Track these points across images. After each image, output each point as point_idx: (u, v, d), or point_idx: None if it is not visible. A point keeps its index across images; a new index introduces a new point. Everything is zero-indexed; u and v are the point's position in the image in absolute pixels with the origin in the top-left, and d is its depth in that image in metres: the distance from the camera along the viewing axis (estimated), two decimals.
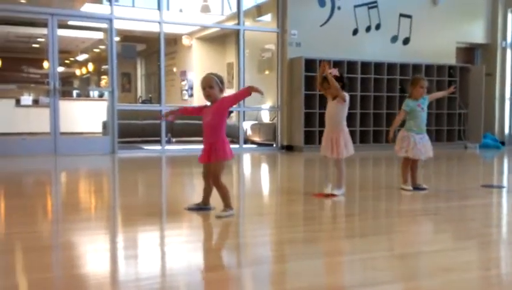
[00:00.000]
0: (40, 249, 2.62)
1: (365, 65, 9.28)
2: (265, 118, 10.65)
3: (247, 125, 10.37)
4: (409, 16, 10.01)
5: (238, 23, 9.32)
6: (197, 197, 3.61)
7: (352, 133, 4.32)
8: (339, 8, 9.37)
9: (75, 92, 17.61)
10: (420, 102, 4.55)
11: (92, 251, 2.63)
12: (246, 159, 8.06)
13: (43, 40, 14.39)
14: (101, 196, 4.70)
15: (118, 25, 8.56)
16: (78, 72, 20.02)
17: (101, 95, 16.07)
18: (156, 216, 3.54)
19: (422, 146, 4.52)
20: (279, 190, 5.20)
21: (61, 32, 10.56)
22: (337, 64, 7.91)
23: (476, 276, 2.28)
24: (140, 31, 12.59)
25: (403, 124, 4.65)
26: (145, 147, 9.37)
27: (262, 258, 2.56)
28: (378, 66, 9.41)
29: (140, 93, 17.13)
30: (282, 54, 9.25)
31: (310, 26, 9.15)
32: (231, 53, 12.45)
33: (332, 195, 4.14)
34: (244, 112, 9.95)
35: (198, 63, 13.45)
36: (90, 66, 18.59)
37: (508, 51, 10.89)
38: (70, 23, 11.43)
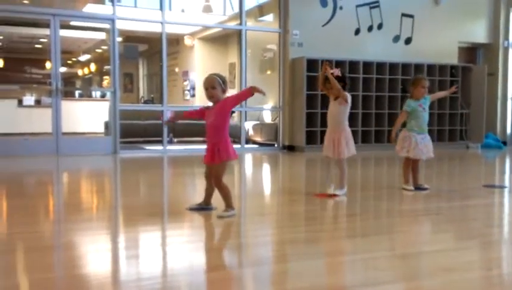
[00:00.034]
0: (41, 249, 2.63)
1: (367, 65, 9.27)
2: (267, 118, 10.65)
3: (249, 125, 10.37)
4: (411, 16, 10.00)
5: (240, 23, 9.32)
6: (199, 197, 3.61)
7: (354, 133, 4.32)
8: (340, 8, 9.36)
9: (77, 93, 17.65)
10: (421, 102, 4.54)
11: (94, 251, 2.63)
12: (248, 159, 8.05)
13: (45, 40, 14.43)
14: (102, 196, 4.70)
15: (120, 25, 8.57)
16: (80, 72, 20.06)
17: (103, 96, 16.09)
18: (158, 216, 3.55)
19: (423, 146, 4.52)
20: (280, 190, 5.20)
21: (64, 32, 10.57)
22: (339, 64, 7.90)
23: (477, 276, 2.27)
24: (142, 32, 12.60)
25: (405, 124, 4.65)
26: (147, 147, 9.38)
27: (263, 258, 2.56)
28: (380, 65, 9.40)
29: (142, 94, 17.15)
30: (284, 54, 9.25)
31: (312, 26, 9.15)
32: (233, 53, 12.45)
33: (335, 195, 4.14)
34: (246, 112, 9.95)
35: (201, 63, 13.46)
36: (93, 67, 18.63)
37: (510, 50, 10.86)
38: (72, 23, 11.45)
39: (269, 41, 10.05)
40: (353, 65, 9.05)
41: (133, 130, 10.27)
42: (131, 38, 12.95)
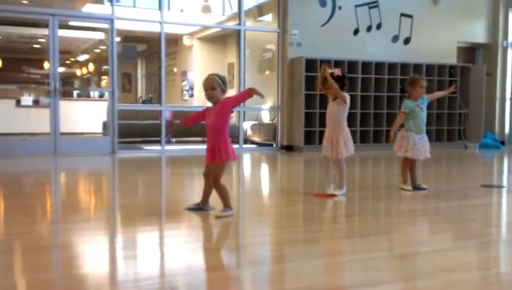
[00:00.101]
0: (39, 249, 2.62)
1: (366, 65, 9.27)
2: (266, 118, 10.65)
3: (247, 126, 10.37)
4: (410, 16, 10.00)
5: (239, 23, 9.32)
6: (197, 197, 3.61)
7: (352, 133, 4.31)
8: (339, 7, 9.36)
9: (75, 93, 17.61)
10: (419, 102, 4.54)
11: (92, 251, 2.63)
12: (246, 159, 8.05)
13: (44, 40, 14.41)
14: (100, 196, 4.70)
15: (118, 25, 8.56)
16: (78, 72, 20.04)
17: (101, 96, 16.07)
18: (156, 216, 3.54)
19: (421, 146, 4.52)
20: (279, 190, 5.20)
21: (62, 32, 10.57)
22: (338, 64, 7.89)
23: (476, 276, 2.27)
24: (141, 31, 12.59)
25: (403, 124, 4.64)
26: (145, 147, 9.37)
27: (262, 258, 2.56)
28: (379, 65, 9.41)
29: (140, 94, 17.13)
30: (282, 54, 9.25)
31: (311, 26, 9.14)
32: (232, 53, 12.44)
33: (334, 195, 4.14)
34: (244, 112, 9.95)
35: (199, 63, 13.45)
36: (91, 67, 18.61)
37: (509, 50, 10.87)
38: (71, 23, 11.43)
39: (268, 41, 10.04)
40: (352, 65, 9.05)
41: (131, 130, 10.26)
42: (129, 38, 12.93)
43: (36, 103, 13.39)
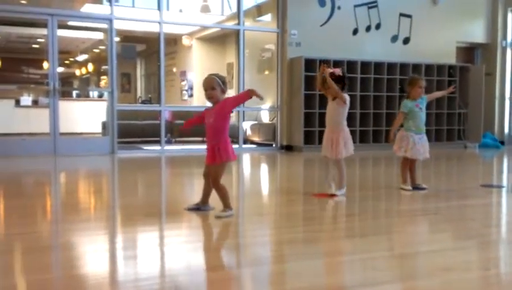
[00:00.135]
0: (39, 249, 2.62)
1: (365, 65, 9.28)
2: (265, 118, 10.65)
3: (246, 125, 10.37)
4: (409, 16, 10.00)
5: (238, 23, 9.32)
6: (197, 197, 3.60)
7: (352, 133, 4.31)
8: (339, 7, 9.37)
9: (74, 93, 17.61)
10: (418, 102, 4.55)
11: (92, 252, 2.63)
12: (246, 159, 8.05)
13: (43, 40, 14.39)
14: (100, 196, 4.70)
15: (117, 25, 8.55)
16: (77, 72, 20.02)
17: (100, 96, 16.06)
18: (156, 216, 3.54)
19: (421, 146, 4.52)
20: (278, 190, 5.20)
21: (61, 32, 10.56)
22: (337, 64, 7.90)
23: (475, 276, 2.28)
24: (140, 31, 12.58)
25: (402, 124, 4.65)
26: (145, 148, 9.37)
27: (262, 258, 2.56)
28: (378, 65, 9.41)
29: (140, 94, 17.12)
30: (282, 54, 9.25)
31: (310, 26, 9.15)
32: (231, 53, 12.44)
33: (334, 195, 4.14)
34: (243, 112, 9.95)
35: (198, 63, 13.45)
36: (90, 67, 18.59)
37: (508, 50, 10.88)
38: (70, 23, 11.44)
39: (267, 41, 10.05)
40: (351, 65, 9.05)
41: (130, 130, 10.26)
42: (129, 38, 12.92)
43: (35, 103, 13.39)
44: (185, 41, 13.67)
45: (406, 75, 9.21)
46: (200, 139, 10.00)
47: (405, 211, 3.90)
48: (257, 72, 10.80)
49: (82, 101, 14.76)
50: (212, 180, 3.39)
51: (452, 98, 9.91)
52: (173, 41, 14.22)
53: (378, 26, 9.76)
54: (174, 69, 14.87)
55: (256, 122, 10.62)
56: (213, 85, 3.34)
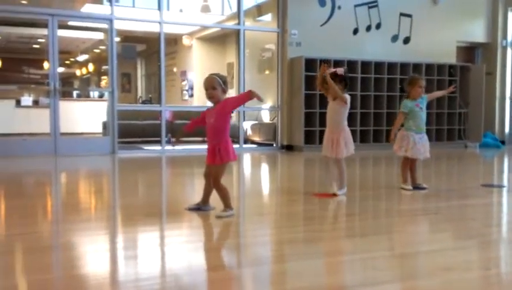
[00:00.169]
0: (40, 249, 2.62)
1: (365, 64, 9.28)
2: (266, 117, 10.65)
3: (247, 125, 10.37)
4: (409, 15, 10.00)
5: (239, 23, 9.32)
6: (197, 197, 3.61)
7: (352, 133, 4.31)
8: (339, 7, 9.37)
9: (75, 93, 17.61)
10: (418, 102, 4.55)
11: (92, 252, 2.63)
12: (246, 159, 8.06)
13: (43, 40, 14.40)
14: (101, 196, 4.70)
15: (118, 25, 8.56)
16: (78, 72, 20.02)
17: (101, 96, 16.06)
18: (156, 216, 3.54)
19: (421, 146, 4.52)
20: (279, 189, 5.20)
21: (62, 32, 10.57)
22: (337, 63, 7.90)
23: (476, 275, 2.28)
24: (140, 31, 12.58)
25: (403, 124, 4.65)
26: (145, 148, 9.37)
27: (262, 258, 2.56)
28: (379, 65, 9.41)
29: (140, 94, 17.13)
30: (282, 54, 9.25)
31: (310, 26, 9.15)
32: (231, 53, 12.44)
33: (334, 195, 4.14)
34: (244, 111, 9.95)
35: (199, 63, 13.45)
36: (91, 67, 18.59)
37: (509, 50, 10.88)
38: (70, 23, 11.44)
39: (267, 41, 10.05)
40: (351, 65, 9.05)
41: (131, 130, 10.27)
42: (129, 38, 12.93)
43: (36, 103, 13.40)
44: (185, 41, 13.67)
45: (406, 74, 9.19)
46: (200, 139, 10.00)
47: (405, 211, 3.90)
48: (257, 72, 10.80)
49: (82, 101, 14.76)
50: (213, 180, 3.39)
51: (453, 97, 9.91)
52: (173, 41, 14.22)
53: (378, 26, 9.75)
54: (175, 69, 14.87)
55: (256, 122, 10.62)
56: (214, 85, 3.34)
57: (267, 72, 10.45)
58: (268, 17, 10.14)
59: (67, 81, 19.86)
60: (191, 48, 13.81)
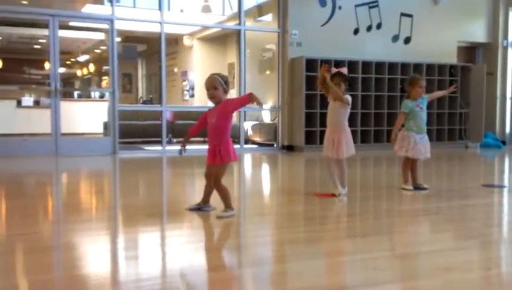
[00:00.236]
0: (41, 250, 2.62)
1: (366, 65, 9.28)
2: (266, 118, 10.65)
3: (248, 126, 10.37)
4: (410, 15, 10.00)
5: (239, 23, 9.32)
6: (198, 198, 3.61)
7: (353, 133, 4.31)
8: (339, 7, 9.37)
9: (76, 93, 17.63)
10: (419, 102, 4.55)
11: (93, 252, 2.63)
12: (247, 159, 8.06)
13: (44, 41, 14.41)
14: (102, 197, 4.70)
15: (119, 25, 8.56)
16: (79, 72, 20.05)
17: (102, 96, 16.08)
18: (157, 217, 3.54)
19: (422, 146, 4.53)
20: (280, 190, 5.20)
21: (63, 33, 10.57)
22: (338, 63, 7.88)
23: (477, 276, 2.27)
24: (141, 32, 12.59)
25: (403, 124, 4.65)
26: (146, 148, 9.38)
27: (263, 258, 2.56)
28: (379, 65, 9.41)
29: (141, 94, 17.14)
30: (283, 54, 9.25)
31: (311, 26, 9.15)
32: (232, 53, 12.44)
33: (335, 195, 4.14)
34: (245, 112, 9.95)
35: (200, 63, 13.46)
36: (91, 67, 18.61)
37: (509, 50, 10.87)
38: (71, 24, 11.44)
39: (268, 41, 10.05)
40: (352, 65, 9.05)
41: (132, 131, 10.27)
42: (130, 38, 12.94)
43: (37, 103, 13.41)
44: (186, 41, 13.67)
45: (407, 74, 9.20)
46: (201, 139, 10.00)
47: (406, 211, 3.90)
48: (258, 72, 10.80)
49: (83, 102, 14.77)
50: (214, 181, 3.39)
51: (453, 97, 9.90)
52: (174, 41, 14.22)
53: (379, 26, 9.75)
54: (175, 69, 14.88)
55: (257, 122, 10.63)
56: (215, 85, 3.35)
57: (267, 72, 10.45)
58: (269, 17, 10.14)
59: (68, 81, 19.88)
60: (191, 48, 13.82)
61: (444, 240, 2.94)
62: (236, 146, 8.43)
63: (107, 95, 10.46)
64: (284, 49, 9.20)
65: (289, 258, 2.59)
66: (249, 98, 3.34)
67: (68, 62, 19.27)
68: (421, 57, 9.82)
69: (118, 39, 8.68)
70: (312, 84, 8.24)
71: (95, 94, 17.88)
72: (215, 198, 3.47)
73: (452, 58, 10.35)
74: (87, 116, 13.03)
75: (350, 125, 4.26)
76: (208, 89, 3.38)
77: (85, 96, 17.33)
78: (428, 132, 4.73)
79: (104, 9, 9.28)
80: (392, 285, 2.11)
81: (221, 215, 3.34)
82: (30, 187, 5.26)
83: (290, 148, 9.21)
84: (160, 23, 8.64)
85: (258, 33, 10.47)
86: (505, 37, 10.83)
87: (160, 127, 8.77)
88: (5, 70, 16.31)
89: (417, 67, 9.62)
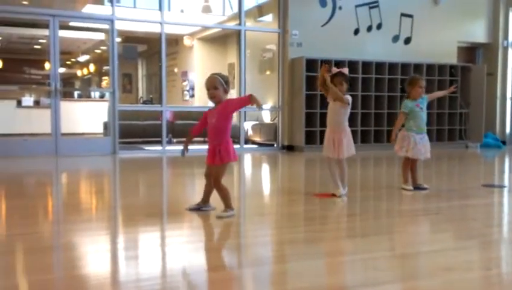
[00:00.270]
0: (41, 250, 2.63)
1: (366, 65, 9.28)
2: (266, 118, 10.65)
3: (248, 126, 10.37)
4: (410, 16, 10.00)
5: (240, 24, 9.32)
6: (198, 198, 3.61)
7: (353, 133, 4.31)
8: (340, 8, 9.36)
9: (76, 93, 17.64)
10: (419, 102, 4.55)
11: (93, 252, 2.63)
12: (247, 159, 8.06)
13: (44, 41, 14.42)
14: (102, 197, 4.70)
15: (119, 25, 8.56)
16: (79, 73, 20.05)
17: (102, 96, 16.08)
18: (157, 217, 3.54)
19: (422, 146, 4.53)
20: (280, 190, 5.20)
21: (63, 33, 10.58)
22: (338, 64, 7.89)
23: (477, 276, 2.27)
24: (141, 32, 12.59)
25: (403, 124, 4.65)
26: (146, 148, 9.37)
27: (263, 258, 2.56)
28: (380, 65, 9.41)
29: (141, 94, 17.15)
30: (283, 54, 9.25)
31: (311, 26, 9.15)
32: (232, 53, 12.44)
33: (333, 195, 4.14)
34: (245, 112, 9.95)
35: (200, 64, 13.46)
36: (92, 67, 18.62)
37: (510, 50, 10.87)
38: (71, 24, 11.44)
39: (268, 42, 10.04)
40: (352, 65, 9.04)
41: (132, 131, 10.27)
42: (130, 38, 12.94)
43: (37, 103, 13.41)
44: (186, 41, 13.67)
45: (407, 75, 9.20)
46: (201, 139, 10.01)
47: (406, 211, 3.90)
48: (258, 72, 10.79)
49: (83, 102, 14.77)
50: (214, 181, 3.39)
51: (453, 98, 9.90)
52: (174, 41, 14.23)
53: (379, 26, 9.75)
54: (176, 70, 14.88)
55: (257, 122, 10.62)
56: (216, 85, 3.35)
57: (268, 72, 10.45)
58: (269, 18, 10.14)
59: (68, 81, 19.89)
60: (192, 49, 13.82)
61: (444, 240, 2.94)
62: (236, 146, 8.42)
63: (107, 95, 10.46)
64: (284, 49, 9.20)
65: (289, 258, 2.59)
66: (248, 100, 3.34)
67: (68, 62, 19.27)
68: (421, 57, 9.82)
69: (118, 39, 8.68)
70: (312, 85, 8.24)
71: (95, 94, 17.89)
72: (215, 198, 3.47)
73: (452, 59, 10.35)
74: (87, 116, 13.03)
75: (350, 126, 4.26)
76: (208, 89, 3.38)
77: (85, 96, 17.34)
78: (429, 132, 4.73)
79: (104, 10, 9.28)
80: (392, 285, 2.11)
81: (221, 215, 3.34)
82: (30, 187, 5.26)
83: (290, 148, 9.21)
84: (160, 23, 8.64)
85: (258, 33, 10.47)
86: (505, 37, 10.83)
87: (160, 127, 8.77)
88: (5, 71, 16.32)
89: (417, 67, 9.62)
